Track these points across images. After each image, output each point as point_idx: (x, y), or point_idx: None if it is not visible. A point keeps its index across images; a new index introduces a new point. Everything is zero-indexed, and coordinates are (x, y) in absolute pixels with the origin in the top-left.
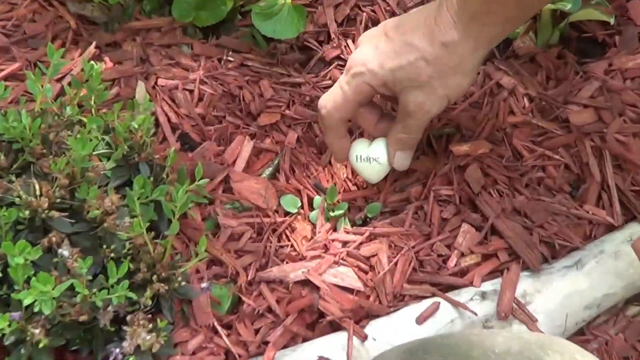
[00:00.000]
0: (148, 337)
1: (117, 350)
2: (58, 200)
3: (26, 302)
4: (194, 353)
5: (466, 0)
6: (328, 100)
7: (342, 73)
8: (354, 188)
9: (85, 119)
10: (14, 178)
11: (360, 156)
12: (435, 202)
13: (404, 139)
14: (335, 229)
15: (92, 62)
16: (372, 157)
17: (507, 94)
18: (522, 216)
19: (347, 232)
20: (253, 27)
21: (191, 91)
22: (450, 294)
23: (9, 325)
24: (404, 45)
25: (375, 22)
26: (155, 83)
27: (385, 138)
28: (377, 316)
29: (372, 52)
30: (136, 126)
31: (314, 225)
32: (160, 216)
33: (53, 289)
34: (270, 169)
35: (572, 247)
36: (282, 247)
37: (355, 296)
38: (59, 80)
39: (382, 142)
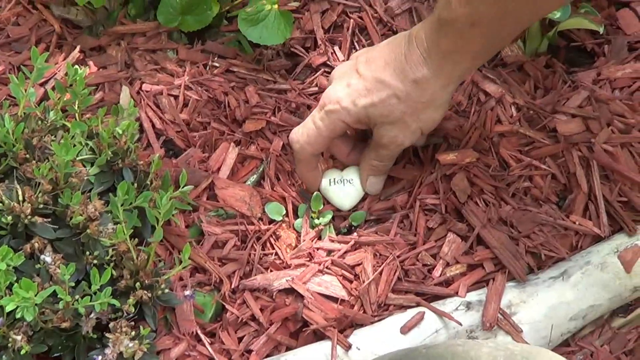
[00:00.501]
0: (131, 345)
1: (100, 357)
2: (41, 205)
3: (8, 308)
4: None
5: (437, 38)
6: (301, 135)
7: (328, 80)
8: None
9: (69, 124)
10: None
11: (334, 179)
12: (421, 211)
13: (376, 165)
14: (320, 237)
15: (76, 66)
16: (345, 180)
17: (494, 103)
18: (508, 226)
19: (332, 241)
20: (239, 32)
21: (176, 97)
22: (435, 304)
23: None
24: (375, 82)
25: (363, 29)
26: (140, 88)
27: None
28: (362, 325)
29: (344, 90)
30: (120, 132)
31: (298, 233)
32: (144, 223)
33: (35, 295)
34: (255, 176)
35: (558, 257)
36: (266, 255)
37: (339, 305)
38: (43, 84)
39: (354, 167)
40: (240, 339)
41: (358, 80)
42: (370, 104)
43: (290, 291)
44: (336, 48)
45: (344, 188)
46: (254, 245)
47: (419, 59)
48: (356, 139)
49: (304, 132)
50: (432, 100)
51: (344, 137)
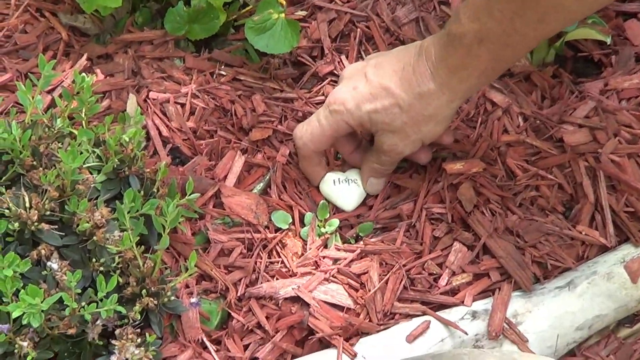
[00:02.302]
0: (137, 352)
1: None
2: (48, 212)
3: (15, 314)
4: None
5: (445, 53)
6: (305, 131)
7: (338, 78)
8: None
9: (75, 132)
10: (3, 190)
11: (339, 179)
12: (427, 220)
13: (377, 168)
14: (326, 246)
15: (84, 74)
16: (350, 179)
17: (501, 113)
18: (514, 236)
19: (338, 249)
20: (246, 41)
21: (183, 105)
22: (441, 313)
23: None
24: (380, 89)
25: (370, 38)
26: (147, 96)
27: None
28: (367, 334)
29: (350, 92)
30: (127, 139)
31: (304, 242)
32: (150, 230)
33: (42, 302)
34: (262, 184)
35: (565, 267)
36: (272, 263)
37: (345, 313)
38: (50, 91)
39: (357, 169)
40: (245, 347)
41: (365, 85)
42: (373, 109)
43: (296, 299)
44: (343, 57)
45: (349, 188)
46: (260, 253)
47: (425, 72)
48: (361, 139)
49: (307, 129)
50: (435, 114)
51: (350, 135)
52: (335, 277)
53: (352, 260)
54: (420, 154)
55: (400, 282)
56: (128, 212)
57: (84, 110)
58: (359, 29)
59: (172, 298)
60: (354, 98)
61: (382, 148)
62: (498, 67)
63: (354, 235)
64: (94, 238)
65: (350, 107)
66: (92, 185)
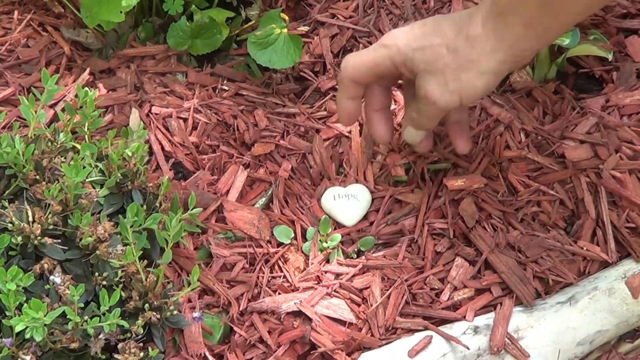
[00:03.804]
0: None
1: None
2: (51, 226)
3: (17, 328)
4: None
5: None
6: (351, 56)
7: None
8: None
9: (78, 146)
10: (6, 204)
11: (338, 194)
12: (429, 235)
13: (414, 118)
14: (328, 261)
15: (86, 88)
16: (350, 194)
17: (503, 129)
18: (516, 251)
19: (340, 264)
20: (248, 56)
21: (185, 120)
22: (442, 328)
23: (0, 352)
24: (434, 28)
25: None
26: (150, 111)
27: (361, 183)
28: (369, 349)
29: (405, 31)
30: (130, 154)
31: (307, 257)
32: (153, 245)
33: (45, 316)
34: (264, 199)
35: (566, 283)
36: (274, 277)
37: (347, 328)
38: (53, 106)
39: (358, 184)
40: None
41: (421, 25)
42: (420, 47)
43: (298, 314)
44: None
45: (348, 203)
46: (262, 268)
47: (478, 17)
48: (389, 102)
49: (355, 54)
50: (477, 61)
51: (383, 90)
52: (337, 292)
53: (354, 275)
54: (460, 140)
55: (402, 297)
56: (131, 227)
57: (86, 125)
58: (361, 45)
59: (175, 312)
60: (406, 35)
61: (420, 94)
62: (545, 21)
63: (356, 250)
64: (97, 252)
65: (401, 44)
66: (95, 200)
